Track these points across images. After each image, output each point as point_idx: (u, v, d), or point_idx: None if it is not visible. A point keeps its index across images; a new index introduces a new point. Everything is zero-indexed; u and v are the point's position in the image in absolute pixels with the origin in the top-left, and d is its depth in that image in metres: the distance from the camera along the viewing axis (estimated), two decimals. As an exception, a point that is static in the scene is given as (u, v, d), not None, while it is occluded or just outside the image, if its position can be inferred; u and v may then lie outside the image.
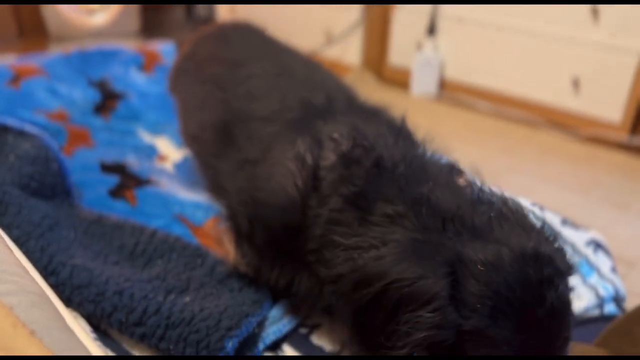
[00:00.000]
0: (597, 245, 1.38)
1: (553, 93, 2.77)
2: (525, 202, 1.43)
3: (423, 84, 3.09)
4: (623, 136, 2.65)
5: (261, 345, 0.92)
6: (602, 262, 1.36)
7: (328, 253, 0.81)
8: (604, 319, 1.21)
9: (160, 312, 0.88)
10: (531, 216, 0.82)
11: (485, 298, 0.67)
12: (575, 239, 1.37)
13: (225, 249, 1.01)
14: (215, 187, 1.18)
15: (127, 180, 1.35)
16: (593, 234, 1.41)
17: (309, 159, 0.88)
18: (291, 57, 1.26)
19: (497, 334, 0.67)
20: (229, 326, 0.86)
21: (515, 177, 2.32)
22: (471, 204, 0.78)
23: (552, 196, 2.12)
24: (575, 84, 2.69)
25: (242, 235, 0.95)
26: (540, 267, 0.70)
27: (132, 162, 1.45)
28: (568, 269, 0.75)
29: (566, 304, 0.71)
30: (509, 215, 0.78)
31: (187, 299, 0.92)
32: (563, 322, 0.70)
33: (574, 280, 1.27)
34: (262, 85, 1.12)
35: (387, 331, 0.70)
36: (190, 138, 1.33)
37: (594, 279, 1.31)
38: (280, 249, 0.91)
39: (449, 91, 3.12)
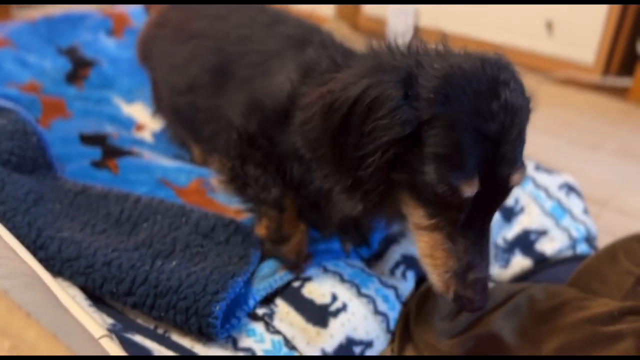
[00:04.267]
0: (570, 189, 1.43)
1: (527, 37, 2.78)
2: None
3: (398, 32, 3.07)
4: (596, 77, 2.68)
5: (252, 302, 0.95)
6: (575, 204, 1.41)
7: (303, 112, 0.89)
8: (577, 258, 1.27)
9: (148, 280, 0.90)
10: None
11: (439, 88, 0.73)
12: (548, 183, 1.42)
13: (214, 165, 1.09)
14: (215, 123, 1.21)
15: (109, 152, 1.35)
16: (565, 178, 1.45)
17: (300, 66, 0.98)
18: (273, 10, 1.27)
19: (452, 117, 0.72)
20: (215, 290, 0.88)
21: (491, 123, 2.35)
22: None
23: (528, 139, 2.16)
24: (549, 26, 2.70)
25: (241, 140, 1.01)
26: (498, 69, 0.75)
27: (112, 133, 1.44)
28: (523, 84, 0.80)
29: (521, 105, 0.76)
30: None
31: (174, 263, 0.94)
32: (516, 119, 0.74)
33: (547, 224, 1.33)
34: (253, 31, 1.15)
35: (359, 145, 0.76)
36: (177, 95, 1.33)
37: (566, 221, 1.36)
38: (272, 136, 0.98)
39: (422, 38, 3.10)
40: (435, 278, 0.79)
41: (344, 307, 0.98)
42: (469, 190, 0.73)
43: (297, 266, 1.02)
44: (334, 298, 0.99)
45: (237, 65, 1.11)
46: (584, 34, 2.61)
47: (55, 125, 1.45)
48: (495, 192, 0.76)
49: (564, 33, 2.67)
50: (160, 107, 1.46)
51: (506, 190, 0.77)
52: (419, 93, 0.74)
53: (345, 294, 1.00)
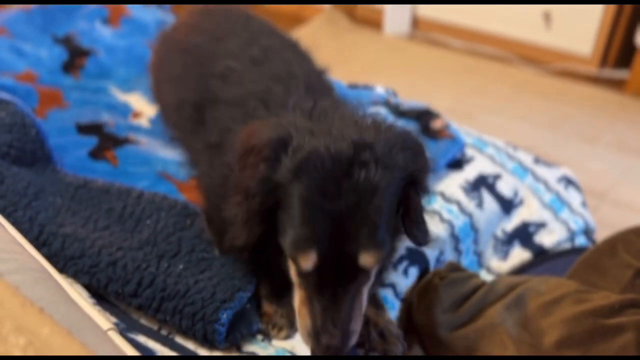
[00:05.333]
0: (568, 182, 1.44)
1: (525, 28, 2.77)
2: (498, 142, 1.47)
3: (396, 23, 3.06)
4: (593, 69, 2.69)
5: (255, 326, 0.93)
6: (573, 197, 1.42)
7: None
8: (575, 251, 1.28)
9: (155, 283, 0.89)
10: (387, 121, 0.90)
11: (296, 159, 0.77)
12: (547, 176, 1.42)
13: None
14: (189, 160, 1.22)
15: (105, 141, 1.34)
16: (564, 171, 1.46)
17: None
18: (269, 39, 1.25)
19: (300, 191, 0.76)
20: (223, 299, 0.88)
21: (488, 116, 2.36)
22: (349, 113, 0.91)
23: (525, 132, 2.17)
24: (547, 18, 2.70)
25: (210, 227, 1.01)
26: (357, 151, 0.78)
27: (108, 121, 1.43)
28: (395, 164, 0.80)
29: (375, 187, 0.76)
30: (359, 119, 0.88)
31: (181, 267, 0.93)
32: (366, 199, 0.76)
33: (546, 217, 1.34)
34: (236, 68, 1.14)
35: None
36: (166, 107, 1.33)
37: (565, 214, 1.37)
38: None
39: (421, 30, 3.09)
40: (300, 331, 0.83)
41: None
42: (305, 263, 0.76)
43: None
44: None
45: (209, 111, 1.11)
46: (581, 26, 2.62)
47: (51, 115, 1.44)
48: (340, 269, 0.77)
49: (562, 25, 2.67)
50: (157, 97, 1.46)
51: (356, 268, 0.78)
52: (285, 159, 0.79)
53: None
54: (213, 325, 0.86)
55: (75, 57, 1.70)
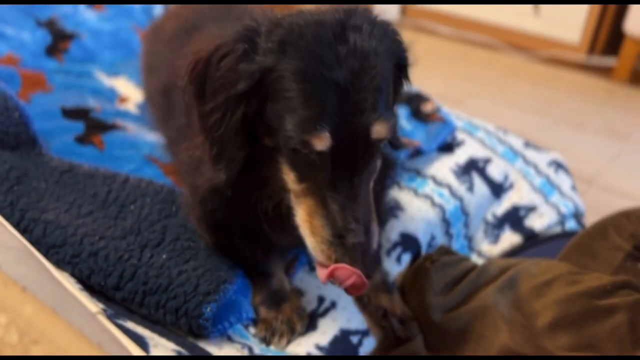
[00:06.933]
0: (558, 166, 1.44)
1: (514, 15, 2.77)
2: (489, 126, 1.47)
3: (384, 10, 3.04)
4: (581, 56, 2.69)
5: (244, 314, 0.91)
6: (563, 181, 1.42)
7: None
8: (566, 235, 1.28)
9: (137, 276, 0.86)
10: None
11: (278, 37, 0.68)
12: (537, 160, 1.42)
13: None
14: (168, 149, 1.16)
15: (92, 126, 1.31)
16: (554, 155, 1.46)
17: None
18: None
19: (292, 66, 0.67)
20: (206, 291, 0.85)
21: (478, 101, 2.36)
22: None
23: (514, 119, 2.17)
24: (536, 6, 2.69)
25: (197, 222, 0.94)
26: (348, 14, 0.70)
27: (95, 106, 1.40)
28: (385, 34, 0.73)
29: (375, 50, 0.69)
30: None
31: (164, 256, 0.90)
32: (368, 64, 0.68)
33: (536, 200, 1.34)
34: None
35: (214, 106, 0.72)
36: (146, 97, 1.29)
37: (555, 197, 1.37)
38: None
39: (410, 17, 3.08)
40: (314, 247, 0.73)
41: (332, 305, 0.97)
42: (320, 143, 0.67)
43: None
44: (321, 300, 0.97)
45: (178, 92, 0.99)
46: (569, 14, 2.62)
47: (35, 99, 1.41)
48: (355, 146, 0.69)
49: (550, 12, 2.67)
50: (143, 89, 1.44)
51: (369, 143, 0.69)
52: (259, 45, 0.69)
53: (332, 292, 0.98)
54: (197, 320, 0.82)
55: (59, 40, 1.66)
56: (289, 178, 0.74)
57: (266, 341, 0.89)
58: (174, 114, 1.04)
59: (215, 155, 0.75)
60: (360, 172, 0.70)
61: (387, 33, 0.75)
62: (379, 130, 0.68)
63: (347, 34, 0.67)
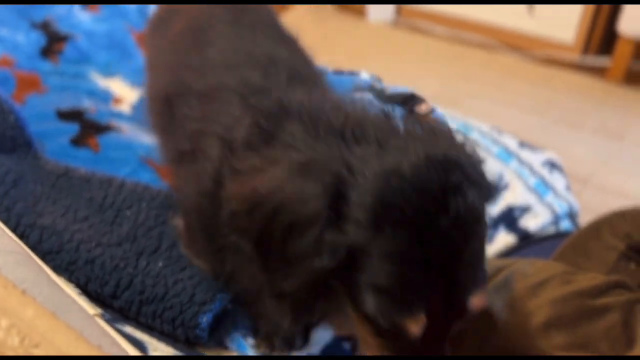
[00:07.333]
0: (553, 165, 1.45)
1: (509, 15, 2.78)
2: (483, 127, 1.48)
3: (379, 10, 3.05)
4: (575, 56, 2.71)
5: (241, 324, 0.89)
6: (557, 181, 1.43)
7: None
8: (560, 235, 1.30)
9: (133, 285, 0.86)
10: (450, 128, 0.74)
11: (373, 208, 0.57)
12: (532, 160, 1.43)
13: None
14: (165, 162, 1.07)
15: (87, 128, 1.31)
16: (549, 155, 1.47)
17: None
18: (261, 30, 1.07)
19: (388, 246, 0.57)
20: (202, 301, 0.84)
21: (474, 101, 2.37)
22: (374, 118, 0.69)
23: (510, 119, 2.18)
24: (530, 6, 2.70)
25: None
26: (446, 172, 0.59)
27: (89, 107, 1.40)
28: (481, 178, 0.64)
29: (476, 214, 0.60)
30: (412, 126, 0.69)
31: (160, 264, 0.89)
32: (472, 234, 0.60)
33: (531, 200, 1.35)
34: (213, 55, 0.96)
35: (282, 263, 0.64)
36: (149, 93, 1.24)
37: (549, 197, 1.38)
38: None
39: (405, 17, 3.09)
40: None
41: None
42: (415, 327, 0.60)
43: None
44: None
45: (178, 106, 0.91)
46: (564, 13, 2.63)
47: (30, 100, 1.41)
48: (449, 319, 0.62)
49: (545, 12, 2.68)
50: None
51: (462, 315, 0.63)
52: (349, 211, 0.58)
53: None
54: (194, 330, 0.82)
55: (54, 42, 1.66)
56: (361, 327, 0.65)
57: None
58: (174, 128, 0.94)
59: (279, 294, 0.68)
60: (448, 335, 0.64)
61: (480, 174, 0.65)
62: (476, 303, 0.62)
63: (449, 200, 0.58)
